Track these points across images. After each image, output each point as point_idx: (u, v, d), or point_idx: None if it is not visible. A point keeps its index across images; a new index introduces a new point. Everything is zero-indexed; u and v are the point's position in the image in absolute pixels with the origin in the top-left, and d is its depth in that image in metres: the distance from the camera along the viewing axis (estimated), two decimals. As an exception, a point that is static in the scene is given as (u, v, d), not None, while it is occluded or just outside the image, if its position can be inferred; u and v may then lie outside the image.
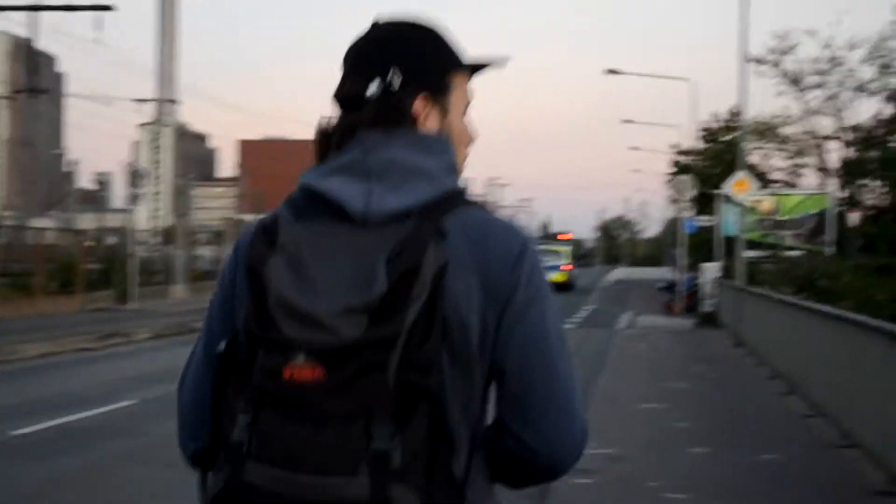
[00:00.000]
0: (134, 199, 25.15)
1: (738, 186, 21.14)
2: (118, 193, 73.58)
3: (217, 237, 38.64)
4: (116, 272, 25.89)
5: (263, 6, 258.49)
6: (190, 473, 1.53)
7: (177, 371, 1.67)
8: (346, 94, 1.51)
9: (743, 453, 5.79)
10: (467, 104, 1.60)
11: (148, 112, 43.50)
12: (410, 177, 1.43)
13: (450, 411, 1.34)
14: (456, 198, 1.46)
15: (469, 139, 1.61)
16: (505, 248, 1.44)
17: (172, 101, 45.10)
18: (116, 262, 26.26)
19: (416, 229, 1.35)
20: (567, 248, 45.90)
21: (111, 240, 31.12)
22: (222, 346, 1.38)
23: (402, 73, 1.49)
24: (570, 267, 44.23)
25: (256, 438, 1.27)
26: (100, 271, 26.72)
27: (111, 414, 9.77)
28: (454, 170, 1.50)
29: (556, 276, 39.11)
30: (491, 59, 1.62)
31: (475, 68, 1.60)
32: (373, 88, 1.48)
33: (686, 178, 30.52)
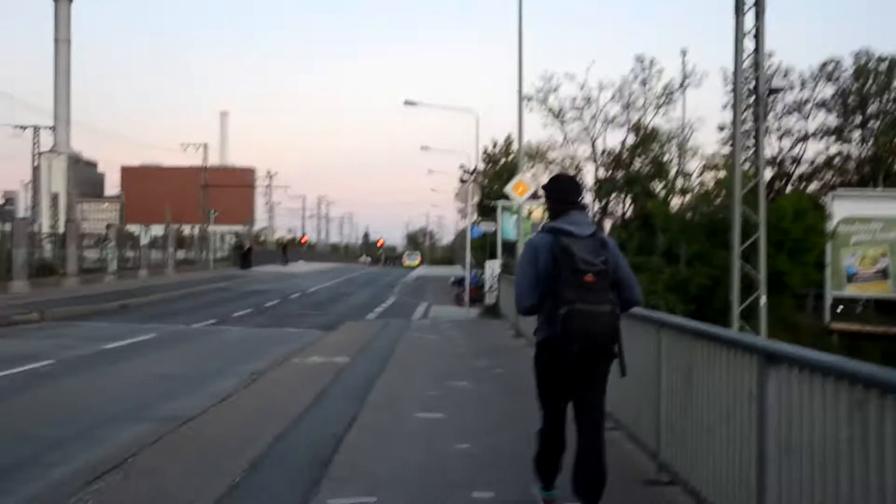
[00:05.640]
0: None
1: (518, 188, 23.69)
2: (22, 207, 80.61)
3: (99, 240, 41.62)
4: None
5: (143, 58, 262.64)
6: None
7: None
8: (573, 200, 5.30)
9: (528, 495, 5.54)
10: None
11: (46, 142, 51.22)
12: (586, 224, 5.15)
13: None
14: (597, 229, 5.25)
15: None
16: (612, 241, 5.21)
17: (51, 128, 52.68)
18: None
19: (601, 238, 5.11)
20: (418, 253, 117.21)
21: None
22: (549, 272, 5.00)
23: (583, 193, 5.71)
24: (421, 259, 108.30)
25: (578, 297, 4.83)
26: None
27: None
28: (593, 221, 5.86)
29: (416, 263, 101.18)
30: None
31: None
32: (581, 198, 5.43)
33: (469, 186, 31.99)
